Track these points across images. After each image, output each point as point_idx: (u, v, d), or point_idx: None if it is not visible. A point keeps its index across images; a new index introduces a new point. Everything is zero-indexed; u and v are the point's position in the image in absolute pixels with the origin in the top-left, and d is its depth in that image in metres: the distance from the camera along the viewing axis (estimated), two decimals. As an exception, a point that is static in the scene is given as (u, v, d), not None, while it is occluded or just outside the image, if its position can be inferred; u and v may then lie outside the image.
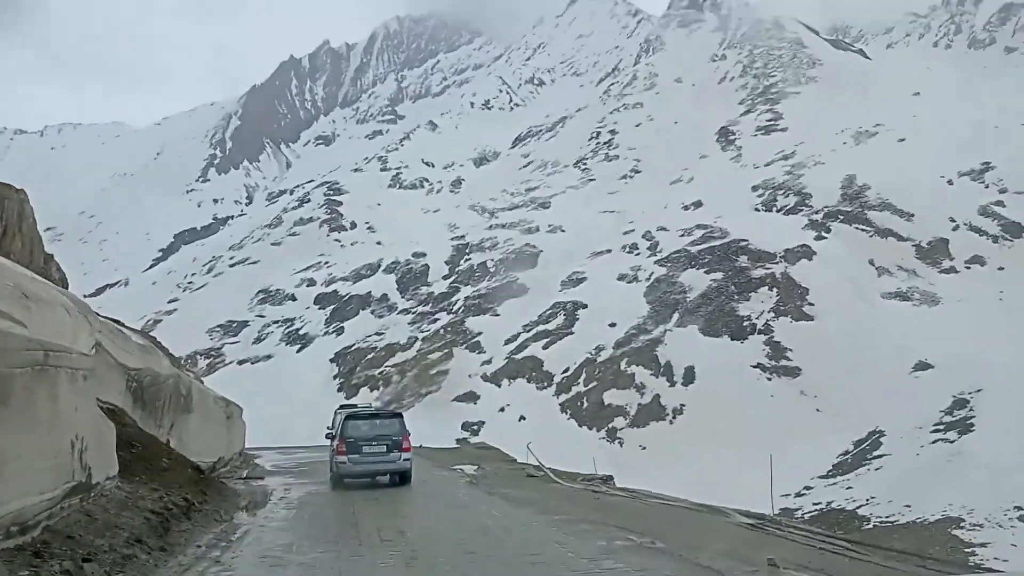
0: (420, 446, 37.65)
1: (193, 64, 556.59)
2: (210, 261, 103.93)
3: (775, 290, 56.40)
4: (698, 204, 76.88)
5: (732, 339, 53.09)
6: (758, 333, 52.94)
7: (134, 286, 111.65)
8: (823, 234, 63.14)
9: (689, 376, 50.84)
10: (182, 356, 76.50)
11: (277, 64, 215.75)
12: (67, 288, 22.61)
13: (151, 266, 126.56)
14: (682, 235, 69.03)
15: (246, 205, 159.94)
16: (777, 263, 59.31)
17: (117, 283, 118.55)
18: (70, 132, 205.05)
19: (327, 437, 32.96)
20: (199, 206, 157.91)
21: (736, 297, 56.69)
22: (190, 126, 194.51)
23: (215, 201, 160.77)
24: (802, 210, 68.53)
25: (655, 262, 65.93)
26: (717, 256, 62.33)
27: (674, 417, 48.67)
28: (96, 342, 9.92)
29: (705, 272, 60.96)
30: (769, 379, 49.11)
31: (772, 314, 54.16)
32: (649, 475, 42.86)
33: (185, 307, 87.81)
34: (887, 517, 34.20)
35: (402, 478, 18.31)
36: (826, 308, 54.02)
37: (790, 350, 50.74)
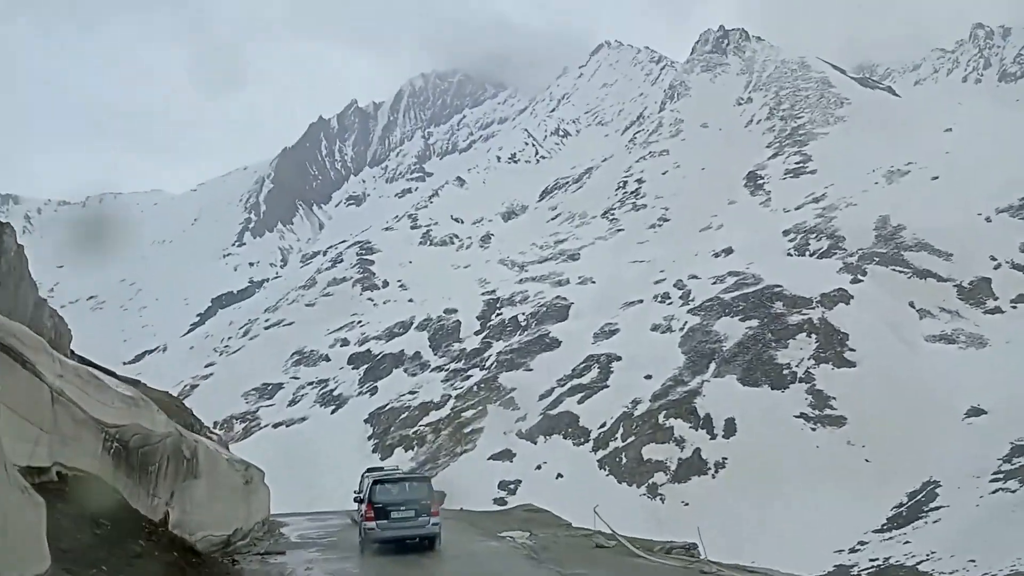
0: (460, 508, 36.50)
1: (226, 129, 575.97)
2: (246, 324, 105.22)
3: (813, 336, 55.11)
4: (729, 251, 76.11)
5: (772, 388, 51.77)
6: (799, 381, 51.56)
7: (172, 351, 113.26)
8: (859, 277, 61.86)
9: (730, 428, 49.51)
10: (218, 421, 77.11)
11: (306, 126, 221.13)
12: (70, 340, 21.77)
13: (189, 331, 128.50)
14: (714, 283, 68.18)
15: (281, 267, 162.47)
16: (814, 308, 58.09)
17: (156, 349, 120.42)
18: (111, 201, 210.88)
19: (355, 501, 33.15)
20: (235, 270, 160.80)
21: (774, 344, 55.47)
22: (225, 191, 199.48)
23: (251, 264, 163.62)
24: (836, 253, 67.43)
25: (688, 311, 65.04)
26: (751, 303, 61.30)
27: (716, 471, 47.25)
28: (53, 390, 8.58)
29: (740, 320, 59.89)
30: (813, 429, 47.60)
31: (812, 361, 52.80)
32: (694, 534, 41.50)
33: (221, 371, 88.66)
34: (951, 573, 32.44)
35: (430, 542, 18.18)
36: (867, 353, 52.55)
37: (833, 398, 49.26)
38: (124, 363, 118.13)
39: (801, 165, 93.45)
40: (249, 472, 21.05)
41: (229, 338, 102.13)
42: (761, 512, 42.36)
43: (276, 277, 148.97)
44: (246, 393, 79.96)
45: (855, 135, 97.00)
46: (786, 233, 74.83)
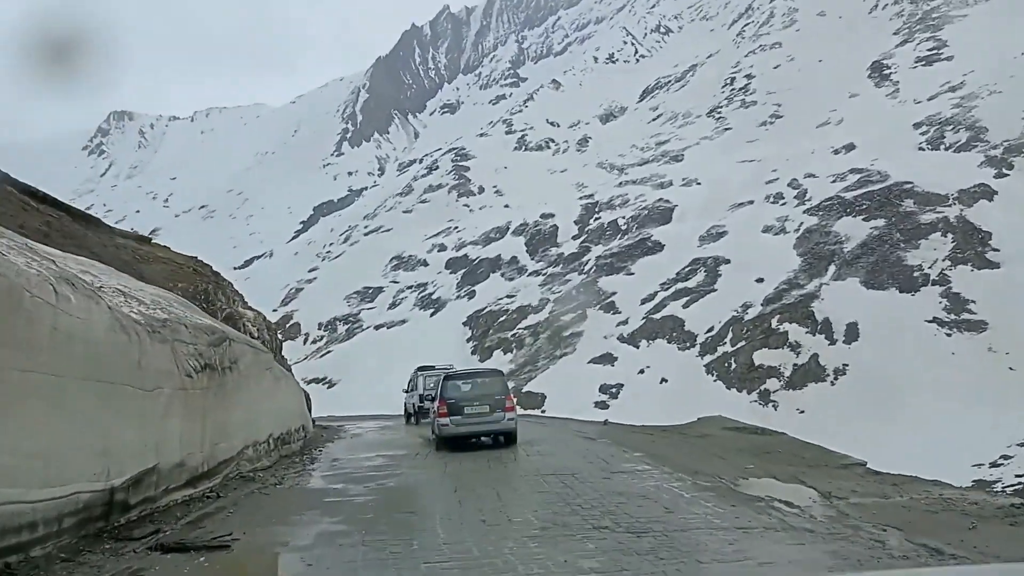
0: (606, 421, 29.03)
1: (322, 41, 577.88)
2: (346, 231, 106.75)
3: (949, 235, 50.03)
4: (850, 147, 69.94)
5: (901, 291, 47.59)
6: (932, 284, 47.12)
7: (278, 257, 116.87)
8: (1004, 171, 55.45)
9: (852, 333, 46.03)
10: (323, 322, 79.03)
11: (400, 34, 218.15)
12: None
13: (293, 238, 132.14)
14: (834, 181, 62.88)
15: (378, 176, 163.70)
16: (950, 206, 52.63)
17: (263, 255, 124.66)
18: (217, 116, 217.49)
19: (404, 391, 32.45)
20: (335, 179, 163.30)
21: (903, 245, 50.78)
22: (323, 102, 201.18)
23: (349, 174, 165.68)
24: (976, 146, 60.63)
25: (804, 211, 60.45)
26: (877, 202, 56.18)
27: (836, 378, 44.25)
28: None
29: (863, 219, 55.10)
30: (948, 335, 43.56)
31: (948, 262, 48.04)
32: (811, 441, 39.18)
33: (324, 275, 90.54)
34: (1112, 490, 29.04)
35: (507, 438, 17.48)
36: (1014, 253, 47.22)
37: (972, 302, 44.77)
38: (234, 268, 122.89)
39: (935, 52, 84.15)
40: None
41: (331, 244, 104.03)
42: (887, 423, 39.32)
43: (374, 185, 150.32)
44: (348, 296, 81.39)
45: (999, 16, 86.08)
46: (917, 126, 67.88)
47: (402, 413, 32.26)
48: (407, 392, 31.70)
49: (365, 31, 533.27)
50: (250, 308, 20.71)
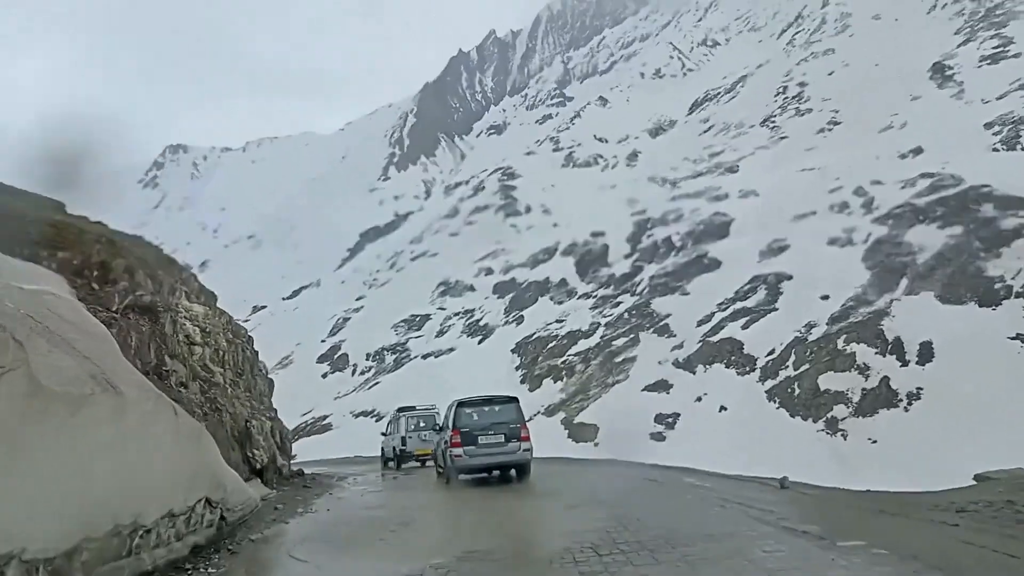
0: (784, 482, 25.15)
1: (370, 69, 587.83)
2: (392, 257, 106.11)
3: (1034, 243, 46.05)
4: (918, 151, 65.98)
5: (980, 305, 43.81)
6: (1016, 296, 43.23)
7: (325, 286, 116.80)
8: (1092, 171, 51.12)
9: (926, 353, 42.46)
10: (370, 352, 77.94)
11: (447, 60, 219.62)
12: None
13: (340, 265, 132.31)
14: (903, 187, 59.19)
15: (425, 199, 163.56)
16: (1033, 211, 48.60)
17: (310, 284, 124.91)
18: (267, 145, 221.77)
19: (383, 434, 29.87)
20: (381, 204, 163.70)
21: (982, 255, 46.96)
22: (370, 128, 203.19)
23: (396, 198, 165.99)
24: (1057, 145, 56.30)
25: (872, 221, 56.94)
26: (952, 208, 52.42)
27: (909, 403, 40.73)
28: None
29: (938, 227, 51.41)
30: (1037, 353, 39.69)
31: (1033, 273, 44.10)
32: (886, 474, 35.80)
33: (371, 304, 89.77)
34: None
35: (519, 471, 16.55)
36: (1108, 261, 43.13)
37: (1064, 315, 40.84)
38: (283, 298, 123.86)
39: (1001, 49, 79.39)
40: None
41: (377, 271, 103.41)
42: (969, 451, 35.64)
43: (420, 209, 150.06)
44: (395, 325, 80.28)
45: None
46: (988, 126, 63.62)
47: (379, 456, 30.46)
48: (386, 435, 30.21)
49: (413, 58, 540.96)
50: (202, 303, 16.95)
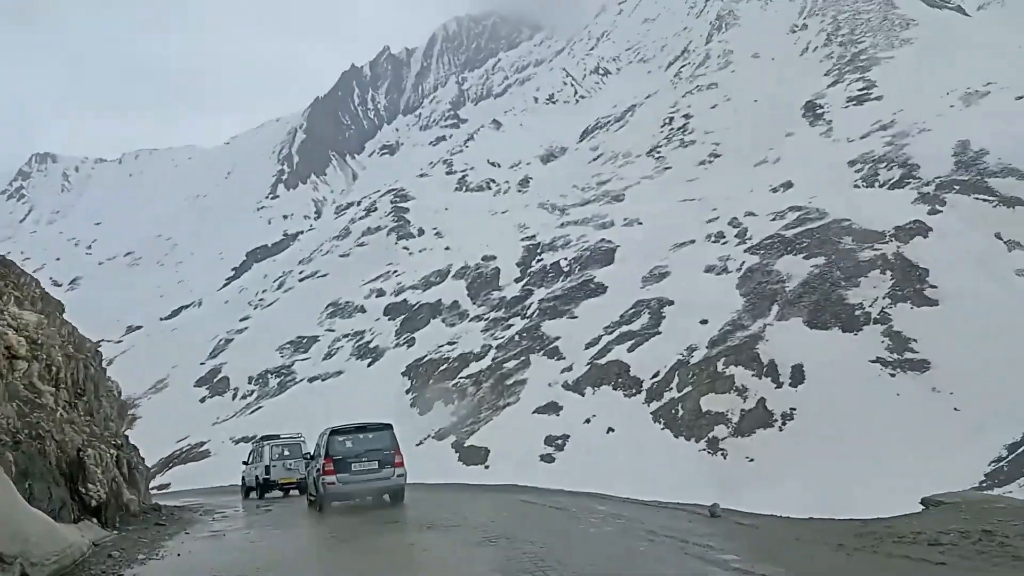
0: (714, 509, 23.95)
1: (257, 81, 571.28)
2: (280, 277, 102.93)
3: (888, 273, 49.87)
4: (788, 185, 70.29)
5: (844, 331, 46.95)
6: (874, 323, 46.61)
7: (208, 306, 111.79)
8: (938, 207, 55.98)
9: (797, 376, 45.04)
10: (253, 375, 74.96)
11: (339, 74, 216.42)
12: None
13: (224, 285, 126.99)
14: (773, 219, 62.86)
15: (315, 219, 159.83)
16: (887, 243, 52.70)
17: (191, 304, 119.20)
18: (146, 158, 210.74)
19: (244, 463, 29.61)
20: (269, 223, 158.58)
21: (843, 283, 50.41)
22: (258, 143, 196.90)
23: (284, 217, 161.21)
24: (909, 183, 61.34)
25: (745, 250, 60.03)
26: (816, 239, 56.06)
27: (784, 423, 43.00)
28: None
29: (804, 258, 54.80)
30: (892, 375, 42.83)
31: (888, 300, 47.70)
32: (762, 492, 37.55)
33: (256, 325, 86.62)
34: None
35: (393, 497, 16.95)
36: (952, 290, 47.19)
37: (914, 340, 44.29)
38: (161, 319, 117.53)
39: (865, 92, 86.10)
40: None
41: (263, 291, 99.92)
42: (837, 467, 38.05)
43: (310, 229, 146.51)
44: (281, 347, 77.75)
45: (924, 58, 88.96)
46: (852, 164, 68.64)
47: (240, 486, 30.43)
48: (248, 464, 30.11)
49: (303, 72, 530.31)
50: (39, 312, 15.07)
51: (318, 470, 17.03)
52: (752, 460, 41.40)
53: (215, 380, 75.72)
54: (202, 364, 79.71)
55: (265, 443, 28.34)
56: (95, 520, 12.87)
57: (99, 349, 18.61)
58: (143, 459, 23.87)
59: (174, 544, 12.75)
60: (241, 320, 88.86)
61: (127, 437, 21.01)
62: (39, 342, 14.01)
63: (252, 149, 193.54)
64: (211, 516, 18.56)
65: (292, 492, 27.57)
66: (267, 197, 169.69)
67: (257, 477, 27.87)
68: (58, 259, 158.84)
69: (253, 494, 28.40)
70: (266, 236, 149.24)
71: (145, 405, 74.34)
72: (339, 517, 15.82)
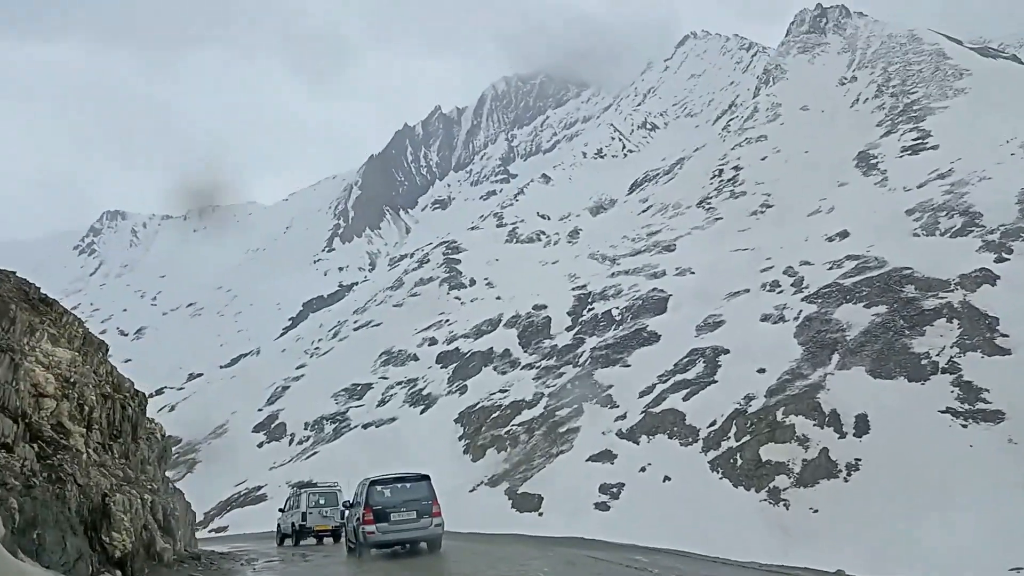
0: None
1: (315, 141, 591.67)
2: (335, 326, 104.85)
3: (955, 321, 48.57)
4: (844, 234, 69.50)
5: (910, 380, 45.65)
6: (942, 372, 45.25)
7: (265, 354, 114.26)
8: (1004, 255, 54.60)
9: (862, 425, 43.80)
10: (309, 422, 76.02)
11: (392, 134, 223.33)
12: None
13: (281, 334, 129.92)
14: (831, 268, 62.03)
15: (369, 271, 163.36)
16: (952, 291, 51.43)
17: (250, 352, 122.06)
18: (209, 214, 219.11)
19: (280, 511, 30.67)
20: (325, 275, 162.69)
21: (907, 332, 49.23)
22: (315, 200, 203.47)
23: (340, 269, 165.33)
24: (972, 231, 60.11)
25: (803, 299, 59.21)
26: (877, 288, 55.04)
27: (849, 474, 41.68)
28: None
29: (864, 306, 53.78)
30: (964, 426, 41.36)
31: (956, 349, 46.35)
32: (828, 543, 36.39)
33: (312, 372, 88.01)
34: None
35: (431, 545, 17.42)
36: None
37: (986, 390, 42.81)
38: (221, 366, 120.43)
39: (920, 141, 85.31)
40: None
41: (319, 340, 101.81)
42: (908, 521, 36.66)
43: (364, 280, 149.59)
44: (336, 394, 78.71)
45: (980, 107, 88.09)
46: (910, 212, 67.66)
47: (275, 532, 31.15)
48: (284, 511, 30.97)
49: (358, 131, 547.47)
50: (75, 350, 14.38)
51: (358, 519, 17.60)
52: (816, 511, 40.14)
53: (272, 426, 76.93)
54: (260, 410, 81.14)
55: (302, 491, 29.23)
56: (119, 573, 11.94)
57: (139, 390, 17.89)
58: (189, 504, 23.41)
59: None
60: (297, 368, 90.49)
61: (169, 481, 20.98)
62: (71, 380, 13.31)
63: (309, 205, 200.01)
64: (252, 566, 18.20)
65: (326, 539, 28.36)
66: (323, 250, 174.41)
67: (293, 524, 28.66)
68: (125, 310, 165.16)
69: (288, 541, 29.24)
70: (322, 287, 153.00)
71: (205, 450, 75.83)
72: (385, 569, 15.31)
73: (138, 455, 16.47)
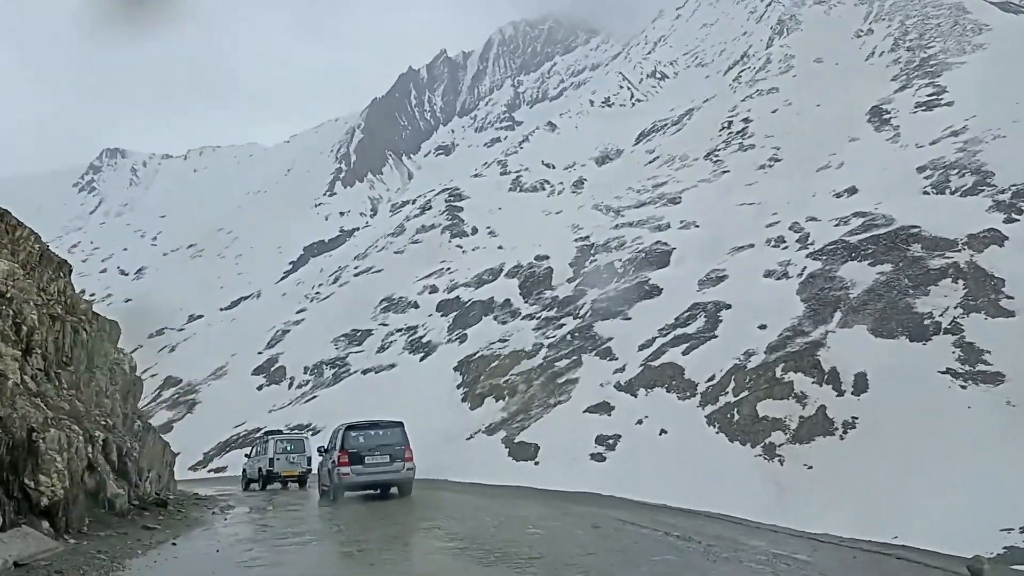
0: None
1: (317, 82, 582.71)
2: (336, 271, 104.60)
3: (960, 282, 48.05)
4: (852, 190, 68.46)
5: (911, 340, 45.35)
6: (944, 333, 44.92)
7: (266, 298, 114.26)
8: (1014, 216, 53.74)
9: (860, 384, 43.68)
10: (308, 366, 76.27)
11: (396, 76, 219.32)
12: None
13: (282, 278, 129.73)
14: (837, 224, 61.23)
15: (371, 217, 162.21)
16: (960, 251, 50.78)
17: (250, 295, 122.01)
18: (210, 155, 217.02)
19: (247, 456, 31.93)
20: (327, 219, 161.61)
21: (911, 292, 48.75)
22: (317, 142, 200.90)
23: (341, 214, 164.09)
24: (983, 190, 59.06)
25: (807, 256, 58.61)
26: (883, 246, 54.37)
27: (845, 432, 41.74)
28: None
29: (869, 264, 53.19)
30: (963, 387, 41.20)
31: (960, 310, 45.94)
32: (821, 500, 36.60)
33: (312, 317, 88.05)
34: None
35: (401, 488, 18.30)
36: (1028, 301, 45.22)
37: (988, 352, 42.53)
38: (221, 308, 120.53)
39: (935, 97, 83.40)
40: None
41: (320, 285, 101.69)
42: (902, 480, 36.79)
43: (366, 226, 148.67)
44: (336, 339, 78.85)
45: (998, 64, 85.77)
46: (921, 170, 66.45)
47: (240, 477, 32.40)
48: (251, 456, 32.01)
49: (361, 74, 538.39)
50: (12, 261, 12.45)
51: (333, 461, 18.23)
52: (810, 468, 40.31)
53: (272, 369, 77.28)
54: (260, 353, 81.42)
55: (269, 437, 30.29)
56: (46, 523, 10.10)
57: (102, 315, 15.43)
58: (167, 444, 22.11)
59: (137, 565, 9.90)
60: (298, 312, 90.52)
61: (140, 417, 19.51)
62: (6, 295, 11.43)
63: (311, 148, 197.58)
64: (225, 515, 16.83)
65: (291, 484, 29.45)
66: (325, 194, 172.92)
67: (260, 469, 29.69)
68: (125, 249, 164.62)
69: (254, 485, 30.30)
70: (323, 232, 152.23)
71: (205, 391, 76.30)
72: (371, 532, 13.76)
73: (92, 387, 14.69)
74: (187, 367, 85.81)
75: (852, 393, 43.72)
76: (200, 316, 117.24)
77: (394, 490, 18.49)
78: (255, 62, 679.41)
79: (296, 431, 32.18)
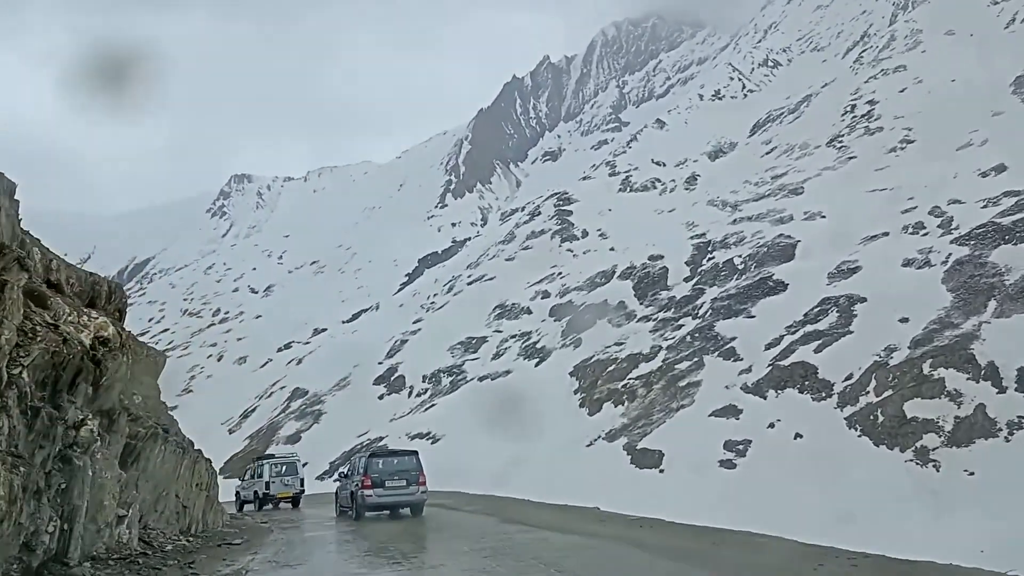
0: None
1: (424, 96, 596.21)
2: (450, 281, 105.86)
3: None
4: (1001, 168, 62.38)
5: (1084, 330, 40.42)
6: (1125, 320, 39.76)
7: (384, 310, 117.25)
8: None
9: (1025, 380, 39.24)
10: (427, 375, 77.17)
11: (500, 86, 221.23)
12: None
13: (399, 290, 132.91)
14: (985, 206, 55.84)
15: (481, 226, 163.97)
16: None
17: (370, 308, 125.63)
18: (327, 175, 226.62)
19: (241, 480, 34.41)
20: (439, 231, 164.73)
21: (1080, 275, 43.55)
22: (426, 156, 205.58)
23: (453, 225, 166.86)
24: None
25: (952, 241, 53.69)
26: (1042, 226, 49.01)
27: (1011, 433, 37.58)
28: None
29: (1027, 247, 48.03)
30: None
31: None
32: (988, 513, 32.80)
33: (428, 326, 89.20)
34: None
35: (414, 508, 21.13)
36: None
37: None
38: (343, 321, 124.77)
39: (1091, 61, 75.20)
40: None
41: (434, 295, 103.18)
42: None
43: (477, 235, 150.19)
44: (452, 347, 79.36)
45: None
46: (1080, 141, 59.85)
47: (235, 500, 33.67)
48: (246, 479, 33.88)
49: (467, 85, 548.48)
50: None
51: (356, 484, 21.18)
52: (972, 473, 36.42)
53: (392, 379, 78.68)
54: (380, 363, 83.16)
55: (264, 462, 32.46)
56: None
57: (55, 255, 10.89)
58: (186, 436, 17.20)
59: None
60: (414, 322, 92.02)
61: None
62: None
63: (421, 162, 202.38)
64: (262, 546, 14.84)
65: (283, 505, 31.58)
66: (436, 207, 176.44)
67: (256, 492, 31.79)
68: (254, 269, 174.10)
69: (248, 507, 32.34)
70: (436, 243, 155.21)
71: (330, 401, 78.66)
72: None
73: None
74: (313, 379, 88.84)
75: (1016, 390, 39.35)
76: (324, 329, 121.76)
77: (405, 511, 21.34)
78: (363, 81, 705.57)
79: (288, 454, 35.72)
